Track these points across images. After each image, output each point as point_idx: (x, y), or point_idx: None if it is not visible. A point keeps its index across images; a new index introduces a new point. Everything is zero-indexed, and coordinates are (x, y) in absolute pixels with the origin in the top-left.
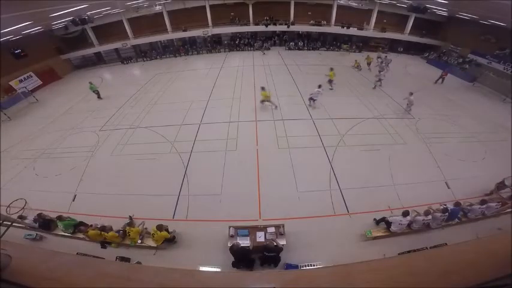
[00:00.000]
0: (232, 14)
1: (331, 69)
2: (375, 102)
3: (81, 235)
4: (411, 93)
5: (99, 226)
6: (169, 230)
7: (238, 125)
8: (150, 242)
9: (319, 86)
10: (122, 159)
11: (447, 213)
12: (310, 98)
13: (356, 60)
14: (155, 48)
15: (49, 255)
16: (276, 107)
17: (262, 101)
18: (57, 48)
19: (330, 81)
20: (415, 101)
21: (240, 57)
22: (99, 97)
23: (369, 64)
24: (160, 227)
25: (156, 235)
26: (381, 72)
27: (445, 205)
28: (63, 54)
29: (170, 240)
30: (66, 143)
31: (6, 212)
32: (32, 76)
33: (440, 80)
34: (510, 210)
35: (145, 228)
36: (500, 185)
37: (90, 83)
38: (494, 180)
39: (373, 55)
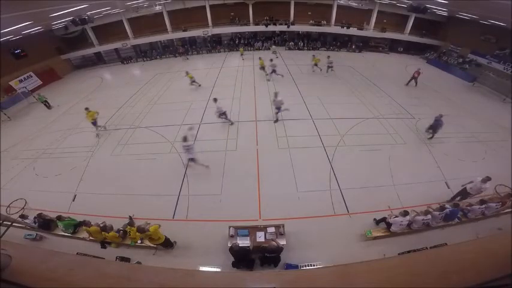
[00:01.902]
0: (232, 14)
1: (314, 56)
2: (375, 102)
3: (81, 235)
4: (441, 116)
5: (101, 225)
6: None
7: (238, 125)
8: (149, 242)
9: (276, 95)
10: (122, 159)
11: (444, 211)
12: (221, 115)
13: (314, 56)
14: (155, 48)
15: (49, 255)
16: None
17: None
18: (57, 48)
19: (315, 65)
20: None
21: (240, 57)
22: (48, 107)
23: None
24: (139, 229)
25: (132, 233)
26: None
27: (444, 204)
28: (63, 54)
29: (166, 245)
30: (66, 143)
31: (6, 212)
32: (32, 76)
33: (413, 81)
34: (510, 210)
35: (148, 223)
36: (463, 192)
37: (38, 94)
38: (494, 180)
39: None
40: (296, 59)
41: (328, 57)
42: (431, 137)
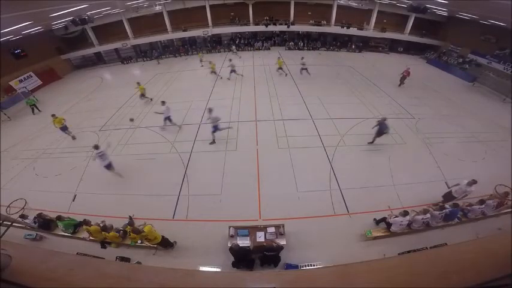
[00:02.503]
0: (232, 14)
1: (279, 58)
2: (375, 102)
3: (81, 235)
4: (384, 119)
5: (101, 225)
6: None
7: (238, 125)
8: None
9: (163, 103)
10: (122, 159)
11: (444, 211)
12: (166, 119)
13: (279, 58)
14: (155, 48)
15: (49, 255)
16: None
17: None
18: (57, 48)
19: (280, 69)
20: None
21: (240, 57)
22: (33, 112)
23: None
24: (135, 230)
25: (132, 233)
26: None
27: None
28: (63, 54)
29: (166, 245)
30: (66, 143)
31: (6, 212)
32: (32, 76)
33: (402, 83)
34: (510, 210)
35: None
36: (448, 194)
37: (28, 98)
38: (494, 180)
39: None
40: (296, 59)
41: (302, 58)
42: (371, 142)
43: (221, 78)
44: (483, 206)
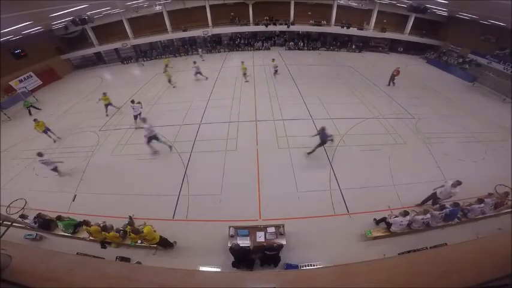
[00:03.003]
0: (232, 14)
1: (242, 62)
2: (375, 102)
3: (81, 235)
4: (323, 128)
5: (101, 225)
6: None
7: (238, 125)
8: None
9: (133, 102)
10: (122, 159)
11: (444, 210)
12: (136, 116)
13: (243, 63)
14: (155, 48)
15: (49, 255)
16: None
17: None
18: (57, 48)
19: (244, 74)
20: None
21: (240, 57)
22: (30, 113)
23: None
24: (134, 230)
25: (131, 233)
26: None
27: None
28: (63, 54)
29: (165, 245)
30: (66, 143)
31: (6, 212)
32: (32, 76)
33: (392, 82)
34: (510, 210)
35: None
36: (433, 196)
37: (25, 100)
38: (494, 180)
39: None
40: (296, 59)
41: (273, 60)
42: (310, 152)
43: (174, 87)
44: (482, 205)
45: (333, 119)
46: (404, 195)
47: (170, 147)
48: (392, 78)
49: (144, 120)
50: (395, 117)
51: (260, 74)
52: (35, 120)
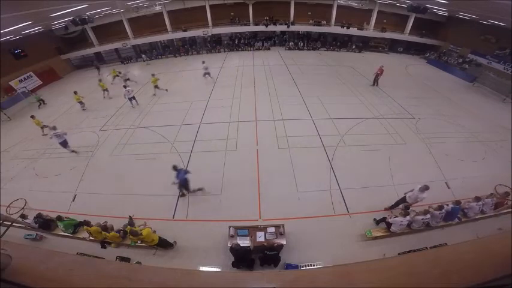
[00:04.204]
0: (232, 14)
1: (153, 75)
2: (375, 102)
3: (81, 235)
4: (185, 171)
5: (102, 224)
6: (169, 241)
7: (238, 125)
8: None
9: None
10: (122, 159)
11: (444, 210)
12: (130, 99)
13: (153, 75)
14: (155, 48)
15: (49, 255)
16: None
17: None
18: (57, 48)
19: (156, 87)
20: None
21: (240, 57)
22: (40, 106)
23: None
24: (133, 232)
25: (131, 238)
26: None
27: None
28: (63, 54)
29: (165, 246)
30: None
31: (6, 212)
32: (32, 76)
33: (375, 82)
34: (510, 210)
35: (144, 224)
36: (403, 200)
37: (35, 94)
38: (494, 180)
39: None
40: (296, 59)
41: (203, 62)
42: (182, 195)
43: (110, 98)
44: (480, 202)
45: (333, 119)
46: None
47: (75, 151)
48: (376, 78)
49: (54, 128)
50: (395, 117)
51: (260, 74)
52: (32, 116)
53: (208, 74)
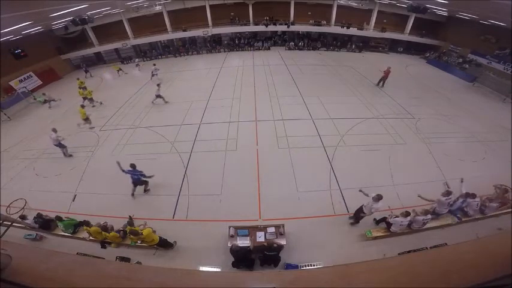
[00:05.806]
0: (232, 14)
1: (82, 106)
2: (375, 102)
3: (81, 235)
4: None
5: (102, 224)
6: (170, 241)
7: (238, 125)
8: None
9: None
10: (122, 159)
11: (451, 196)
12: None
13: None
14: (155, 48)
15: (49, 255)
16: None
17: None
18: (57, 48)
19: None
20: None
21: (240, 57)
22: (50, 105)
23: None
24: (133, 232)
25: (131, 237)
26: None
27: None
28: (63, 54)
29: (165, 246)
30: (66, 143)
31: (6, 212)
32: (32, 76)
33: (381, 82)
34: (510, 210)
35: (144, 224)
36: (361, 209)
37: (40, 95)
38: (494, 180)
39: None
40: (296, 59)
41: (154, 64)
42: (132, 194)
43: (101, 103)
44: (477, 199)
45: (332, 119)
46: (404, 195)
47: (69, 155)
48: (383, 79)
49: (54, 130)
50: (395, 117)
51: (260, 74)
52: (82, 106)
53: (156, 75)
